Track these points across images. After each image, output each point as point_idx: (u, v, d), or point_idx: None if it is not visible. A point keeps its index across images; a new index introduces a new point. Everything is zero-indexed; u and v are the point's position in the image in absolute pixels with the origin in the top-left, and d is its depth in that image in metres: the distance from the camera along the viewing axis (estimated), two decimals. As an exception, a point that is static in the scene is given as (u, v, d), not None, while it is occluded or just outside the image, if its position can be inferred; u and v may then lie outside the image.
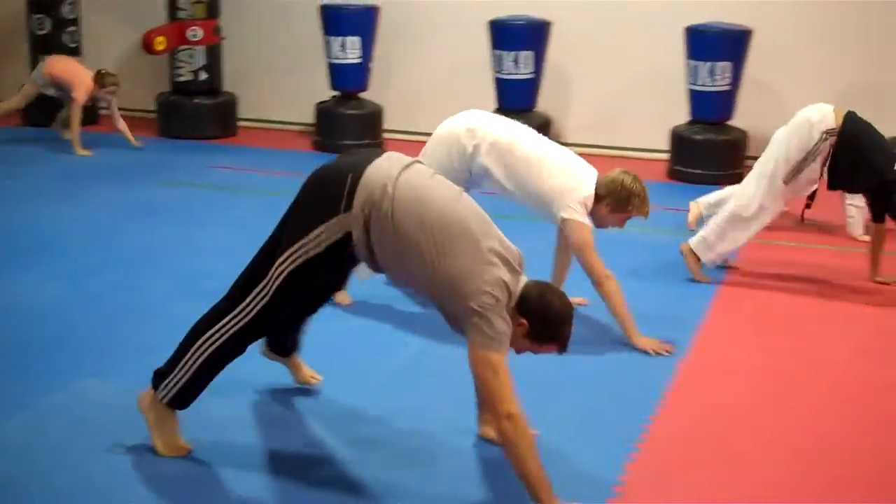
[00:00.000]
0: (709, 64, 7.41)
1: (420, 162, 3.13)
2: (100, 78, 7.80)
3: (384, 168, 2.98)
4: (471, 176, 4.49)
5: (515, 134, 4.48)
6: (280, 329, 3.51)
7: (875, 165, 5.01)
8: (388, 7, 8.48)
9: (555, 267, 4.70)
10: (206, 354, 3.17)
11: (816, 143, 5.04)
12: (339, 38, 8.21)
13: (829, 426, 3.65)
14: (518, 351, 3.05)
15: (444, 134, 4.58)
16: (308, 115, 8.74)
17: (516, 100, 8.02)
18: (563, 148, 4.52)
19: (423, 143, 8.30)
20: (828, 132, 5.03)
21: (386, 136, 8.66)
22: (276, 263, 3.04)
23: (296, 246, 3.00)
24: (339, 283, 3.40)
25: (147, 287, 4.90)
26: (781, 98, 8.02)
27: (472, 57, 8.41)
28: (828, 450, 3.47)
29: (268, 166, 7.73)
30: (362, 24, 8.28)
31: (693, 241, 5.26)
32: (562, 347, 3.00)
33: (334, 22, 8.26)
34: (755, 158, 7.72)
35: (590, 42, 8.32)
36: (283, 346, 3.69)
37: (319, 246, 2.97)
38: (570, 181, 4.31)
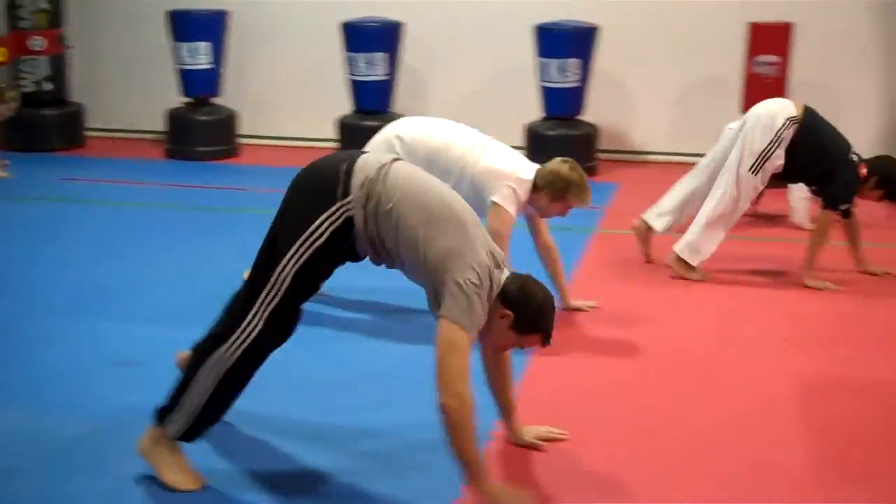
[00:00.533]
0: (558, 61, 7.56)
1: (400, 159, 3.15)
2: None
3: (375, 156, 3.06)
4: None
5: (450, 137, 4.50)
6: (287, 333, 3.22)
7: (833, 153, 5.11)
8: (239, 11, 8.38)
9: (542, 258, 4.71)
10: (216, 379, 3.00)
11: (780, 130, 5.13)
12: (189, 44, 8.07)
13: (671, 404, 3.77)
14: (504, 346, 3.07)
15: (378, 141, 4.59)
16: (159, 123, 8.55)
17: (371, 101, 8.02)
18: (502, 144, 4.57)
19: (280, 147, 8.27)
20: (790, 119, 5.14)
21: (241, 141, 8.55)
22: (281, 265, 2.94)
23: (300, 241, 2.93)
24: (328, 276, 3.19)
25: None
26: (629, 92, 8.28)
27: (326, 59, 8.38)
28: (673, 429, 3.59)
29: (119, 176, 7.54)
30: (212, 28, 8.15)
31: (678, 248, 5.29)
32: (545, 338, 3.02)
33: (183, 27, 8.11)
34: (606, 152, 8.08)
35: (443, 42, 8.39)
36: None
37: (323, 235, 2.92)
38: (507, 166, 4.37)
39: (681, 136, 8.23)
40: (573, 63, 7.58)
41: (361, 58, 7.85)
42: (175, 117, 8.31)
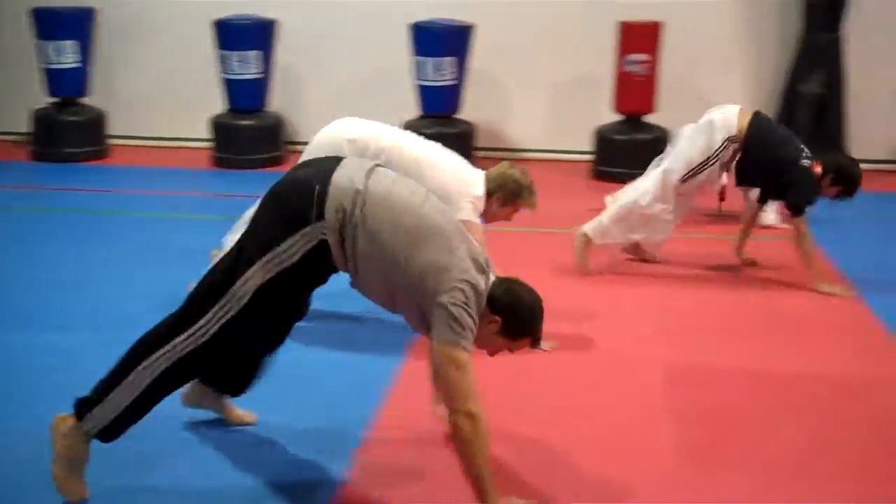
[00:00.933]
0: (434, 59, 7.58)
1: (380, 165, 3.05)
2: None
3: (349, 174, 2.89)
4: None
5: (399, 138, 4.44)
6: (239, 357, 3.14)
7: (785, 164, 5.06)
8: (107, 8, 8.14)
9: None
10: (150, 379, 2.88)
11: (717, 150, 5.14)
12: (54, 42, 7.81)
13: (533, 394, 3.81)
14: (492, 352, 3.01)
15: (325, 145, 4.39)
16: (24, 125, 8.24)
17: (246, 100, 7.90)
18: (446, 149, 4.51)
19: (151, 148, 8.07)
20: (730, 139, 5.12)
21: (111, 142, 8.30)
22: (243, 278, 2.84)
23: (266, 258, 2.82)
24: (304, 304, 3.12)
25: None
26: (505, 91, 8.36)
27: (198, 57, 8.20)
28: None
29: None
30: (78, 26, 7.91)
31: (588, 226, 5.33)
32: (535, 341, 2.98)
33: (48, 25, 7.85)
34: (483, 149, 8.13)
35: (318, 40, 8.32)
36: (234, 382, 3.33)
37: (293, 256, 2.82)
38: (462, 180, 4.32)
39: (557, 133, 8.35)
40: (448, 61, 7.61)
41: (234, 56, 7.72)
42: (41, 118, 8.03)
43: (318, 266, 2.90)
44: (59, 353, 4.07)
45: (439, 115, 7.79)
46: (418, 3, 7.95)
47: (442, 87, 7.68)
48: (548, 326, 2.99)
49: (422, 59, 7.65)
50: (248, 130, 7.88)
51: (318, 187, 2.85)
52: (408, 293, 2.86)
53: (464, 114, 7.95)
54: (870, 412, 3.74)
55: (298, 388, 3.82)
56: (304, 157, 4.29)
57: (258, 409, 3.53)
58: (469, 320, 2.79)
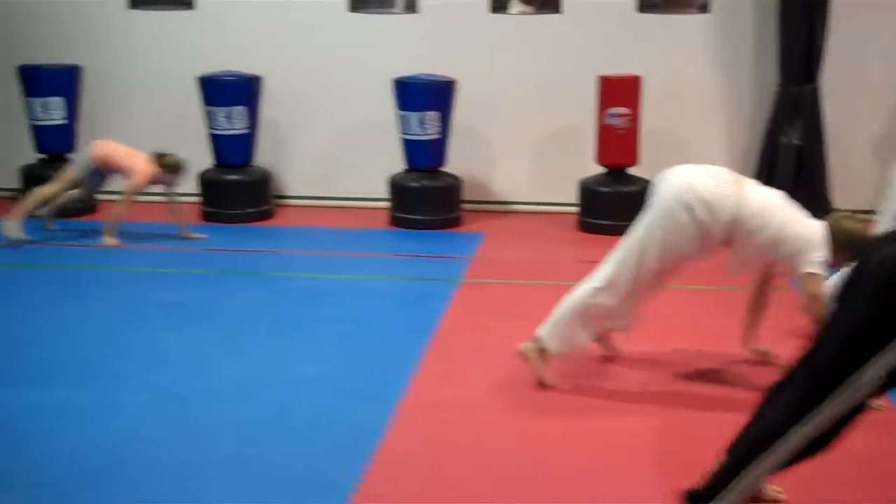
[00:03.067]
0: (418, 114, 7.67)
1: None
2: (160, 159, 7.10)
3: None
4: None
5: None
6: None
7: None
8: (92, 66, 8.22)
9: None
10: (767, 466, 2.80)
11: None
12: (41, 99, 7.88)
13: (536, 451, 3.83)
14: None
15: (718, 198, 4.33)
16: (12, 181, 8.27)
17: (232, 155, 7.97)
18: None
19: (140, 203, 8.00)
20: None
21: (101, 197, 8.32)
22: (869, 368, 2.66)
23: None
24: None
25: None
26: (490, 144, 8.45)
27: (184, 113, 8.28)
28: (538, 474, 3.63)
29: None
30: (64, 84, 7.99)
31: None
32: None
33: (35, 83, 7.93)
34: (470, 202, 8.20)
35: (303, 96, 8.41)
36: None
37: None
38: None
39: (541, 185, 8.43)
40: (433, 116, 7.70)
41: (221, 112, 7.80)
42: (29, 174, 8.06)
43: None
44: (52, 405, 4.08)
45: (425, 169, 7.87)
46: (401, 57, 8.07)
47: (427, 140, 7.76)
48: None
49: (406, 113, 7.74)
50: (236, 185, 7.94)
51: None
52: None
53: (449, 167, 8.02)
54: None
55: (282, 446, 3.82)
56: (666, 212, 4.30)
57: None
58: None
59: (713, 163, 4.78)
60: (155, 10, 8.46)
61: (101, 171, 7.25)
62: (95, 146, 7.21)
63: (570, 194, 8.04)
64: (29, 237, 6.92)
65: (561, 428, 4.02)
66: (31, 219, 7.14)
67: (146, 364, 4.65)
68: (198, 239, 7.24)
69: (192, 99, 7.99)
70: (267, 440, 3.81)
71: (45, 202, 7.22)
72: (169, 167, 7.16)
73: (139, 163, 7.10)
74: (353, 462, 3.62)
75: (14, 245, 6.84)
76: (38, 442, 3.78)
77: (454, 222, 7.85)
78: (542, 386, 4.41)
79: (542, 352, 4.47)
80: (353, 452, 3.70)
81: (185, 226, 7.29)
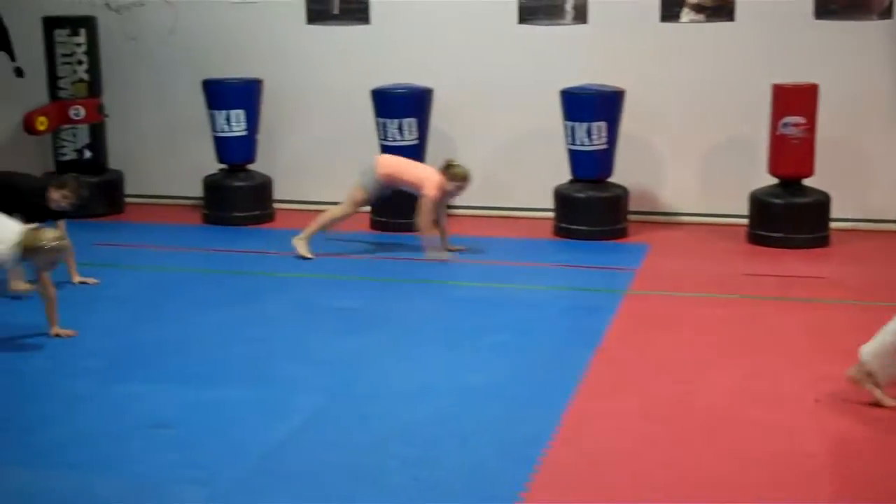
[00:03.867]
0: (585, 125, 7.66)
1: None
2: (449, 170, 7.01)
3: None
4: None
5: None
6: None
7: None
8: (271, 78, 8.57)
9: None
10: None
11: None
12: (224, 112, 8.27)
13: (701, 465, 3.78)
14: None
15: None
16: (196, 189, 8.73)
17: (402, 166, 8.15)
18: None
19: (313, 212, 8.33)
20: None
21: (276, 206, 8.69)
22: None
23: None
24: None
25: (27, 366, 4.83)
26: (657, 154, 8.36)
27: (356, 125, 8.54)
28: (703, 490, 3.59)
29: (156, 241, 7.70)
30: (246, 97, 8.35)
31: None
32: None
33: (218, 96, 8.32)
34: (637, 213, 8.13)
35: (471, 107, 8.53)
36: None
37: None
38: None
39: (710, 196, 8.27)
40: (600, 126, 7.68)
41: (392, 124, 8.00)
42: (211, 183, 8.48)
43: None
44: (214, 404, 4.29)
45: (591, 180, 7.84)
46: (569, 68, 8.08)
47: (594, 151, 7.74)
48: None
49: (573, 123, 7.75)
50: (407, 196, 8.10)
51: None
52: None
53: (616, 178, 7.98)
54: None
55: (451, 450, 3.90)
56: None
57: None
58: None
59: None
60: (331, 24, 8.76)
61: (389, 188, 7.21)
62: (380, 164, 7.10)
63: (740, 206, 7.86)
64: (314, 255, 6.98)
65: (728, 443, 3.96)
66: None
67: (318, 368, 4.83)
68: (459, 251, 7.11)
69: (366, 111, 8.23)
70: (434, 445, 3.89)
71: (332, 223, 7.17)
72: (457, 178, 7.01)
73: (429, 176, 7.01)
74: (517, 470, 3.66)
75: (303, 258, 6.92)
76: (207, 439, 3.97)
77: (620, 233, 7.80)
78: (879, 406, 4.25)
79: (870, 374, 4.27)
80: (517, 461, 3.75)
81: (446, 239, 7.16)
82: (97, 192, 8.66)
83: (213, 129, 8.37)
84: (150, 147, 9.21)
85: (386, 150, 8.13)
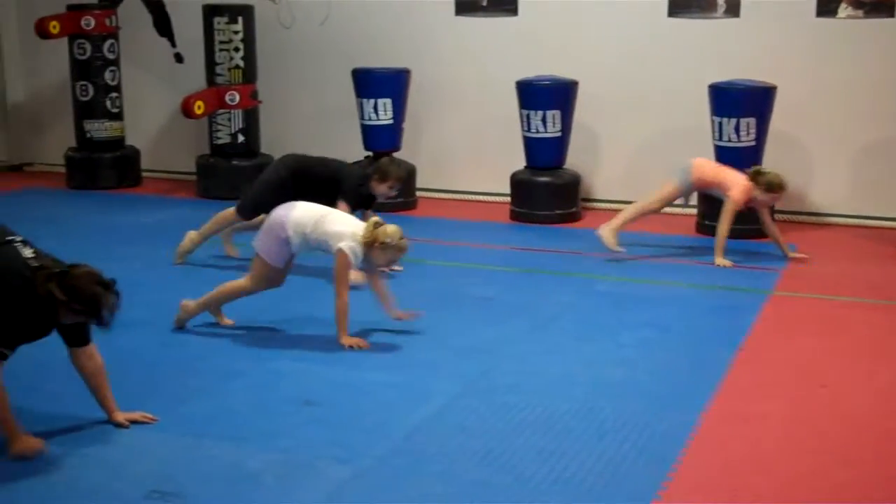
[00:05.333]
0: (733, 120, 7.52)
1: None
2: (760, 177, 6.76)
3: None
4: None
5: None
6: None
7: None
8: (418, 68, 8.69)
9: None
10: None
11: None
12: (372, 101, 8.43)
13: (848, 472, 3.69)
14: None
15: None
16: (342, 176, 8.93)
17: (544, 158, 8.17)
18: None
19: (455, 200, 8.48)
20: None
21: (419, 194, 8.83)
22: None
23: None
24: None
25: (184, 341, 5.07)
26: (806, 153, 8.13)
27: (500, 116, 8.60)
28: (845, 497, 3.51)
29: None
30: (394, 86, 8.50)
31: None
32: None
33: (366, 85, 8.49)
34: (783, 213, 7.93)
35: (616, 100, 8.48)
36: None
37: None
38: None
39: (862, 198, 8.01)
40: (749, 122, 7.52)
41: (536, 115, 8.02)
42: (356, 170, 8.66)
43: None
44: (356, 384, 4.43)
45: (738, 177, 7.68)
46: (719, 63, 7.94)
47: (741, 147, 7.59)
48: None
49: (720, 119, 7.61)
50: (545, 187, 8.14)
51: None
52: None
53: (763, 176, 7.79)
54: None
55: (589, 443, 3.92)
56: None
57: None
58: None
59: None
60: (479, 16, 8.83)
61: (699, 190, 7.12)
62: (695, 167, 6.93)
63: (893, 208, 7.58)
64: (623, 249, 6.86)
65: (873, 450, 3.85)
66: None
67: (458, 355, 4.90)
68: (800, 259, 6.85)
69: (510, 102, 8.27)
70: (572, 438, 3.91)
71: (639, 216, 7.01)
72: (768, 186, 6.74)
73: (738, 181, 6.79)
74: (655, 469, 3.65)
75: (611, 253, 6.82)
76: (346, 419, 4.08)
77: (762, 233, 7.62)
78: None
79: None
80: (655, 459, 3.73)
81: (784, 245, 6.94)
82: (249, 175, 8.98)
83: (361, 116, 8.55)
84: (299, 133, 9.47)
85: (529, 141, 8.16)
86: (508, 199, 8.37)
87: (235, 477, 3.52)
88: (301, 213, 5.02)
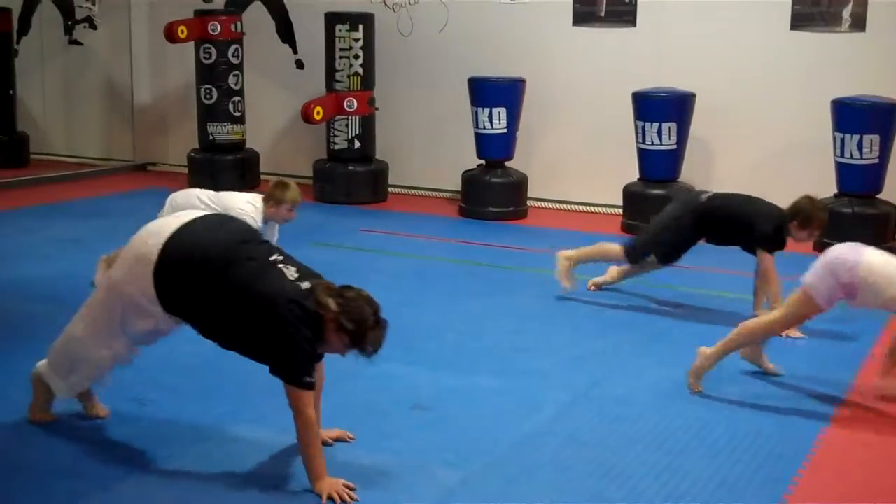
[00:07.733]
0: (856, 136, 7.34)
1: None
2: None
3: None
4: None
5: None
6: None
7: None
8: (533, 78, 8.71)
9: None
10: None
11: None
12: (487, 109, 8.49)
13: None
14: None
15: None
16: (455, 183, 9.02)
17: (658, 170, 8.10)
18: None
19: (566, 211, 8.44)
20: None
21: (530, 203, 8.85)
22: None
23: None
24: None
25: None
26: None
27: (613, 127, 8.55)
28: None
29: (415, 231, 8.03)
30: (509, 95, 8.54)
31: None
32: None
33: (482, 93, 8.55)
34: (907, 233, 7.68)
35: (732, 114, 8.35)
36: None
37: None
38: None
39: None
40: (872, 139, 7.32)
41: (651, 127, 7.96)
42: (470, 178, 8.74)
43: None
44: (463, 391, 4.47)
45: (859, 195, 7.50)
46: (843, 78, 7.76)
47: (863, 165, 7.40)
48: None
49: (841, 135, 7.43)
50: (659, 199, 8.04)
51: None
52: None
53: (885, 194, 7.59)
54: None
55: (702, 461, 3.88)
56: None
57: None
58: None
59: None
60: (596, 27, 8.81)
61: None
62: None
63: None
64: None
65: None
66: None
67: (568, 364, 4.91)
68: None
69: (625, 114, 8.22)
70: (685, 454, 3.89)
71: None
72: None
73: None
74: (769, 491, 3.60)
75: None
76: (460, 424, 4.13)
77: (891, 252, 7.40)
78: None
79: None
80: (770, 480, 3.68)
81: None
82: (364, 181, 9.16)
83: (475, 125, 8.61)
84: (414, 140, 9.59)
85: (643, 153, 8.10)
86: (620, 210, 8.32)
87: (347, 476, 3.57)
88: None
